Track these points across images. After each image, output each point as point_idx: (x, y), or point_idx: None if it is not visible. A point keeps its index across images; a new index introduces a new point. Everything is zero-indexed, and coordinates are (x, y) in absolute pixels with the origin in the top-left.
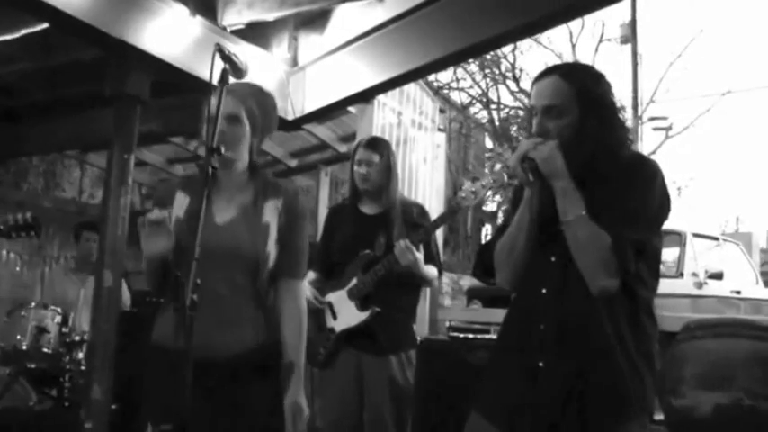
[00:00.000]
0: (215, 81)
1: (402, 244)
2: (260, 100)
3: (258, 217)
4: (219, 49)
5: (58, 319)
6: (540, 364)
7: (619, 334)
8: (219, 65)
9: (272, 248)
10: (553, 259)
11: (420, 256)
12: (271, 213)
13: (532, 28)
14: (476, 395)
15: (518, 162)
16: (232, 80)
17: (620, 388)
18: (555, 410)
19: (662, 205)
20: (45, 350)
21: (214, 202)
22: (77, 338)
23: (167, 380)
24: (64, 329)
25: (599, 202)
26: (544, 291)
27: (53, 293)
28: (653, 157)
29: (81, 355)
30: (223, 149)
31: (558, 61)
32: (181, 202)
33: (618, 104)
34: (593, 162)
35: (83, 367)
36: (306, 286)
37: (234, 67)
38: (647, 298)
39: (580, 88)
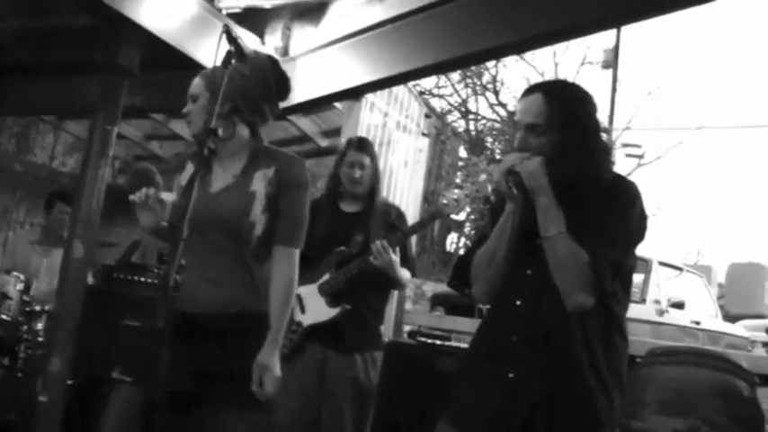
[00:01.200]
0: (219, 62)
1: (379, 244)
2: (235, 70)
3: (246, 185)
4: (227, 31)
5: (20, 286)
6: (511, 375)
7: (590, 351)
8: (225, 46)
9: (257, 217)
10: (529, 273)
11: (396, 258)
12: (259, 182)
13: (524, 45)
14: (444, 404)
15: (503, 175)
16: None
17: (589, 405)
18: (524, 423)
19: (639, 227)
20: (4, 317)
21: (213, 171)
22: (38, 308)
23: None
24: (25, 298)
25: (579, 221)
26: (518, 303)
27: (14, 260)
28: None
29: (40, 325)
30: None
31: (539, 78)
32: (187, 170)
33: (602, 127)
34: (574, 182)
35: (40, 338)
36: None
37: (238, 51)
38: (621, 316)
39: (564, 108)
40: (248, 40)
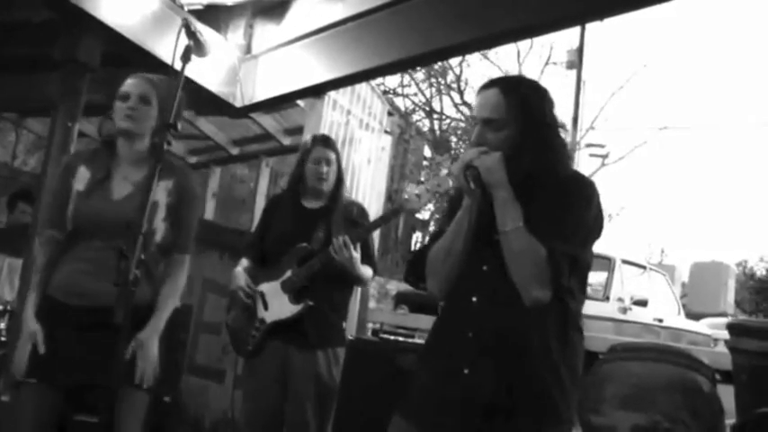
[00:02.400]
0: (177, 56)
1: (340, 240)
2: (169, 88)
3: (149, 195)
4: (186, 25)
5: None
6: (466, 371)
7: (546, 346)
8: (184, 41)
9: (159, 225)
10: (485, 268)
11: (357, 254)
12: (161, 193)
13: (486, 42)
14: (401, 399)
15: (462, 169)
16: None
17: (546, 400)
18: (479, 418)
19: (596, 223)
20: None
21: (113, 178)
22: (0, 308)
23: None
24: None
25: (536, 216)
26: (474, 299)
27: None
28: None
29: (2, 325)
30: (130, 126)
31: None
32: (83, 175)
33: (559, 123)
34: (532, 177)
35: (3, 338)
36: (239, 272)
37: (198, 45)
38: (577, 311)
39: (521, 104)
40: (210, 37)
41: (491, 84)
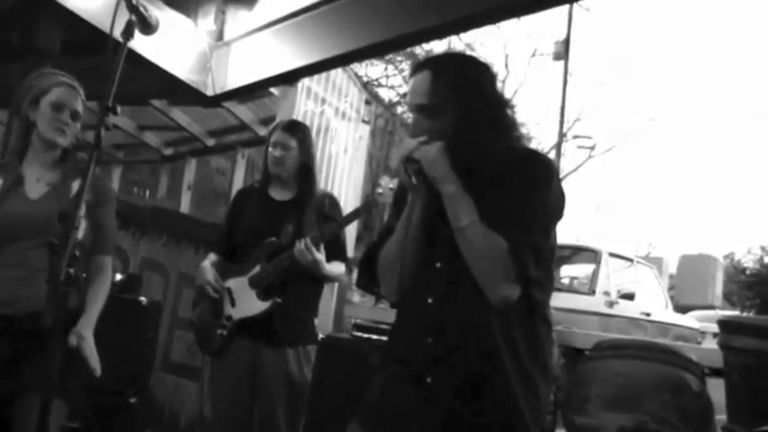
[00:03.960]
0: (117, 33)
1: (302, 244)
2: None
3: (67, 194)
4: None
5: None
6: (429, 379)
7: (512, 344)
8: (125, 16)
9: (79, 221)
10: (438, 265)
11: (321, 256)
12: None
13: (461, 25)
14: (358, 405)
15: (402, 163)
16: (138, 35)
17: (512, 408)
18: (440, 429)
19: (557, 206)
20: None
21: (25, 179)
22: None
23: None
24: None
25: (490, 206)
26: (430, 300)
27: None
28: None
29: None
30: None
31: None
32: None
33: (504, 98)
34: (480, 163)
35: None
36: (206, 267)
37: (141, 20)
38: (544, 303)
39: (455, 83)
40: (180, 23)
41: (421, 66)
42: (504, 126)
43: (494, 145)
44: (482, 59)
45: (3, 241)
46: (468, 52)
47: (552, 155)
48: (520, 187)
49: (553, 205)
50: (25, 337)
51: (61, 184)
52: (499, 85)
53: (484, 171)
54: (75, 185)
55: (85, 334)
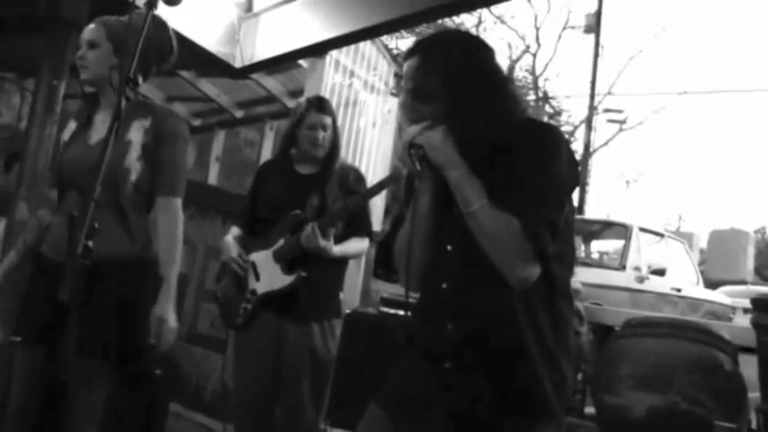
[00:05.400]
0: (141, 2)
1: (308, 229)
2: (134, 26)
3: (122, 134)
4: None
5: None
6: (447, 365)
7: (535, 325)
8: None
9: (132, 164)
10: (449, 248)
11: (328, 243)
12: (136, 132)
13: None
14: (378, 388)
15: (406, 150)
16: (162, 6)
17: (536, 388)
18: (461, 416)
19: (569, 177)
20: None
21: (93, 124)
22: None
23: (29, 286)
24: None
25: (499, 185)
26: (444, 286)
27: None
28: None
29: None
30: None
31: (520, 43)
32: (70, 127)
33: (502, 72)
34: (481, 141)
35: None
36: (229, 242)
37: None
38: (565, 280)
39: (446, 66)
40: None
41: (412, 50)
42: (502, 100)
43: (495, 119)
44: (474, 35)
45: (66, 187)
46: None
47: (582, 129)
48: (528, 160)
49: (565, 174)
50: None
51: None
52: (498, 59)
53: (491, 148)
54: (135, 126)
55: (165, 314)
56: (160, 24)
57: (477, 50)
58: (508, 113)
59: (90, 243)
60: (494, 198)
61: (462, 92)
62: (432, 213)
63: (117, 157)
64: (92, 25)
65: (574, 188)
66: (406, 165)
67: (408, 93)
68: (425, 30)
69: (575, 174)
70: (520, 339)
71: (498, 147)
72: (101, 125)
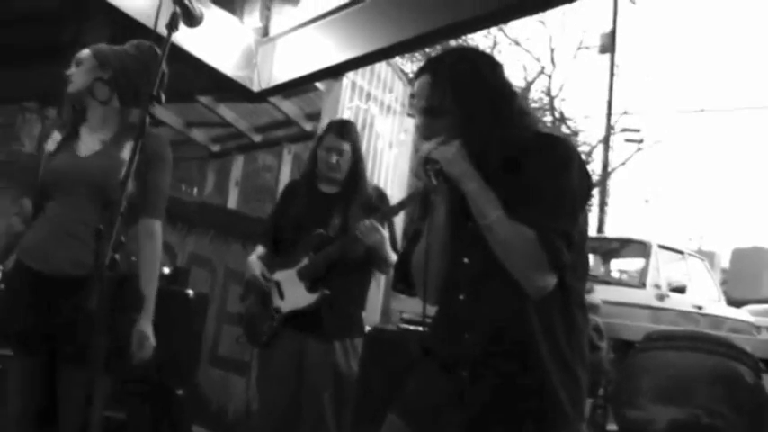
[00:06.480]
0: (162, 24)
1: (368, 223)
2: (123, 49)
3: (116, 151)
4: None
5: None
6: (464, 374)
7: (551, 334)
8: (169, 8)
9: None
10: (466, 261)
11: (387, 234)
12: (128, 151)
13: (509, 13)
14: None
15: (421, 165)
16: (185, 30)
17: (553, 401)
18: (477, 424)
19: (582, 185)
20: None
21: (81, 137)
22: None
23: (12, 296)
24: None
25: (514, 195)
26: (462, 297)
27: None
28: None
29: None
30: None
31: (535, 65)
32: (54, 137)
33: (511, 87)
34: (494, 155)
35: None
36: (253, 261)
37: (186, 12)
38: (578, 288)
39: (455, 82)
40: (226, 21)
41: (421, 70)
42: (512, 115)
43: (505, 133)
44: (482, 52)
45: (48, 196)
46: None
47: (600, 149)
48: (540, 171)
49: (577, 186)
50: (57, 300)
51: (112, 144)
52: (506, 75)
53: (504, 162)
54: (128, 146)
55: (147, 330)
56: (153, 55)
57: (485, 66)
58: (517, 126)
59: (117, 255)
60: (509, 209)
61: (472, 107)
62: (447, 227)
63: (112, 169)
64: (84, 50)
65: (587, 199)
66: (422, 180)
67: (421, 111)
68: (437, 49)
69: (587, 185)
70: (535, 348)
71: (511, 159)
72: (88, 137)
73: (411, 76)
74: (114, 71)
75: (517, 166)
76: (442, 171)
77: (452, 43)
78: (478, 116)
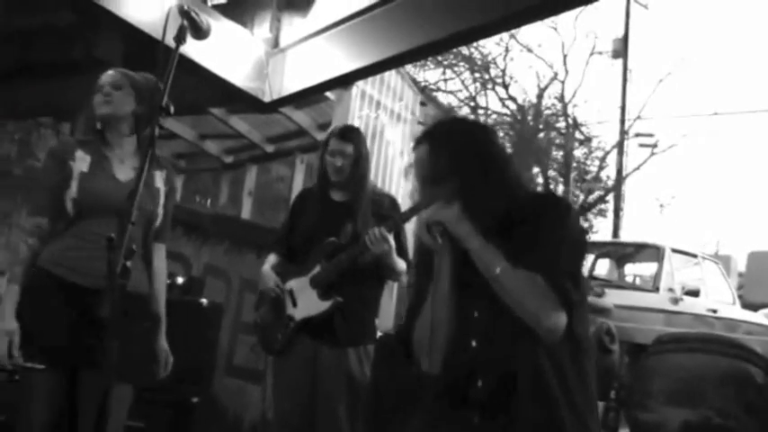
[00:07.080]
0: (171, 38)
1: (376, 231)
2: (147, 79)
3: (152, 181)
4: (180, 6)
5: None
6: (476, 419)
7: (562, 379)
8: (177, 22)
9: (160, 211)
10: (476, 314)
11: (394, 244)
12: (160, 181)
13: (515, 20)
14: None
15: (425, 228)
16: (191, 40)
17: None
18: None
19: (578, 240)
20: None
21: (111, 160)
22: None
23: (44, 308)
24: None
25: (516, 248)
26: (474, 343)
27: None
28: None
29: None
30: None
31: (548, 71)
32: (82, 157)
33: (503, 154)
34: (494, 216)
35: None
36: (267, 271)
37: (193, 26)
38: (585, 335)
39: (453, 150)
40: (237, 33)
41: (420, 140)
42: (507, 181)
43: (501, 199)
44: (476, 123)
45: (88, 214)
46: (523, 50)
47: (614, 154)
48: (542, 224)
49: (573, 241)
50: (92, 310)
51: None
52: (499, 141)
53: (497, 222)
54: (158, 175)
55: (167, 347)
56: (153, 83)
57: (479, 137)
58: (512, 190)
59: (128, 263)
60: (511, 262)
61: (470, 174)
62: (453, 290)
63: (154, 202)
64: (112, 72)
65: (583, 254)
66: (427, 241)
67: (420, 179)
68: (448, 57)
69: (582, 239)
70: (548, 392)
71: (510, 219)
72: (120, 164)
73: (423, 86)
74: (146, 109)
75: (518, 225)
76: (447, 231)
77: (464, 51)
78: (476, 182)
